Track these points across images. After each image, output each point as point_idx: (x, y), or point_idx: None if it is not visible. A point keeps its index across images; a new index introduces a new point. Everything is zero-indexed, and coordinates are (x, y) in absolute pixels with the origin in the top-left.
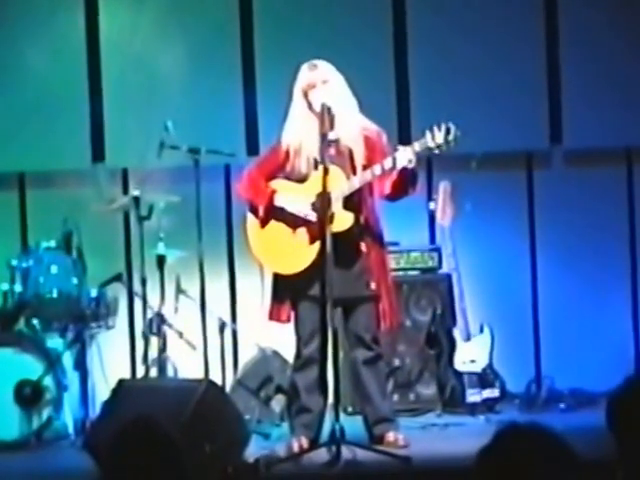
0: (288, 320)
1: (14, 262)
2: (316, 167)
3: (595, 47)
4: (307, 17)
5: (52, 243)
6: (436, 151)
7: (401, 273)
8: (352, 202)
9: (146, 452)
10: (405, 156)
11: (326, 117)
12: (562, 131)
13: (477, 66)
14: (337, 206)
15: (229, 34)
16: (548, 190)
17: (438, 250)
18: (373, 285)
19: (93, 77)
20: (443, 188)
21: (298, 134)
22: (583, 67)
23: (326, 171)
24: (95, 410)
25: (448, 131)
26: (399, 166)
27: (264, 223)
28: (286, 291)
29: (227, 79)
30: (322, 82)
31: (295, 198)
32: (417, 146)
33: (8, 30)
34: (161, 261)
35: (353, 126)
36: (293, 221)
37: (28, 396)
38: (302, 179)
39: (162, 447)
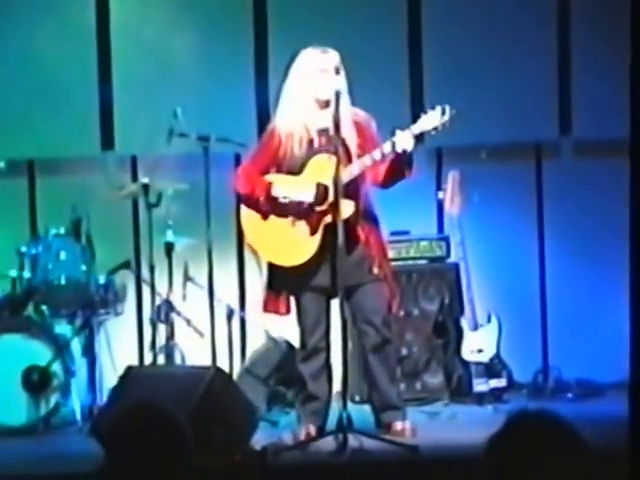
0: (287, 312)
1: (23, 249)
2: (309, 153)
3: (606, 35)
4: (321, 4)
5: (61, 230)
6: (432, 132)
7: (410, 262)
8: (350, 190)
9: (149, 434)
10: (404, 139)
11: (338, 105)
12: (572, 122)
13: (487, 56)
14: None
15: (241, 21)
16: (557, 180)
17: (446, 239)
18: (376, 269)
19: (103, 64)
20: (452, 178)
21: (293, 117)
22: (593, 56)
23: (338, 158)
24: (102, 396)
25: (443, 112)
26: (399, 149)
27: (266, 215)
28: (284, 282)
29: (239, 67)
30: (335, 69)
31: (293, 186)
32: (415, 128)
33: (18, 16)
34: (169, 248)
35: (347, 115)
36: (294, 210)
37: (36, 382)
38: (296, 167)
39: (165, 429)
